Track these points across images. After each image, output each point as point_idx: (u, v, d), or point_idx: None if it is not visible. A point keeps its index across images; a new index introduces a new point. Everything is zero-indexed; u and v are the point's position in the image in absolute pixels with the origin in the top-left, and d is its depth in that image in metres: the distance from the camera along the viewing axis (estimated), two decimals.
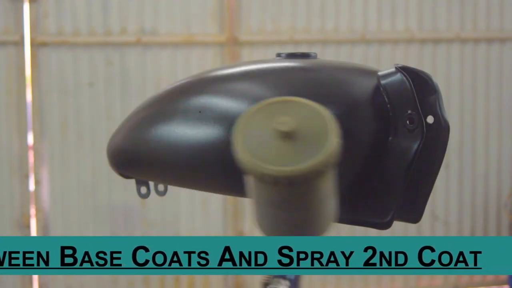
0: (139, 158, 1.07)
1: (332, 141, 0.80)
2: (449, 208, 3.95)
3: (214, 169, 0.95)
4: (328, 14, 3.79)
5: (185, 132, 0.97)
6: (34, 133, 3.58)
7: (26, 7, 3.53)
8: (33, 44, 3.54)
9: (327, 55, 3.75)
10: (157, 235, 3.63)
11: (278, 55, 1.07)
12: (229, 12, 3.69)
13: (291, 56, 1.05)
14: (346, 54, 3.80)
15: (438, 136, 0.93)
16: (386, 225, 0.94)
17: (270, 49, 3.72)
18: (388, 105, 0.95)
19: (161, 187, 1.27)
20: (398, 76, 0.95)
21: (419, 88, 0.93)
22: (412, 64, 3.61)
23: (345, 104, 0.94)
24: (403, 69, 0.95)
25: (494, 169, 3.99)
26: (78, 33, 3.58)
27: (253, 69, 1.02)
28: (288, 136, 0.81)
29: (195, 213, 3.70)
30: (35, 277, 3.63)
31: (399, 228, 3.90)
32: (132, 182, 1.29)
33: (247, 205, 3.74)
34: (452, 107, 3.89)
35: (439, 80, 3.21)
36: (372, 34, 3.82)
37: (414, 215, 0.96)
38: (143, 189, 1.25)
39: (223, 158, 0.93)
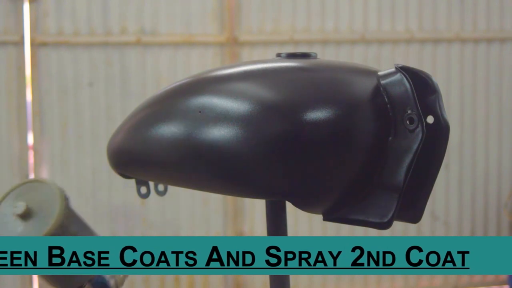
0: (139, 158, 1.07)
1: (57, 211, 1.11)
2: (449, 208, 3.96)
3: (213, 169, 0.95)
4: (328, 14, 3.79)
5: (185, 132, 0.97)
6: (34, 133, 3.58)
7: (26, 7, 3.53)
8: (33, 44, 3.54)
9: (327, 55, 3.75)
10: (157, 235, 3.63)
11: (278, 55, 1.06)
12: (229, 12, 3.69)
13: (291, 56, 1.05)
14: (346, 54, 3.80)
15: (438, 136, 0.93)
16: (386, 225, 0.94)
17: (270, 49, 3.73)
18: (388, 105, 0.94)
19: (161, 187, 1.27)
20: (398, 76, 0.95)
21: (419, 88, 0.93)
22: (412, 64, 3.62)
23: (345, 104, 0.94)
24: (403, 69, 0.95)
25: (494, 169, 3.99)
26: (78, 33, 3.58)
27: (253, 69, 1.02)
28: (24, 216, 1.10)
29: (195, 213, 3.70)
30: (35, 277, 3.63)
31: (399, 228, 3.92)
32: (132, 182, 1.29)
33: (247, 205, 3.74)
34: (452, 107, 3.89)
35: (439, 80, 3.22)
36: (372, 34, 3.82)
37: (414, 215, 0.96)
38: (143, 189, 1.25)
39: (223, 158, 0.93)
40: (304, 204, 0.95)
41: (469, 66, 3.94)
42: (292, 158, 0.91)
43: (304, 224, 3.76)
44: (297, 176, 0.92)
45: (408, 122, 0.93)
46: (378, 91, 0.96)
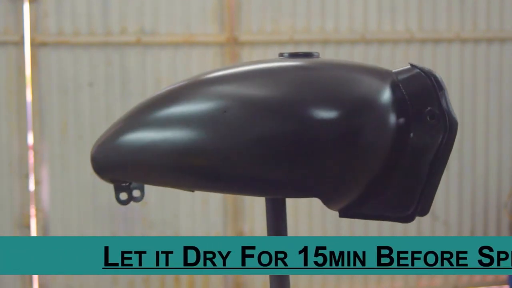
0: (127, 162, 1.07)
1: None
2: (449, 208, 3.96)
3: (248, 170, 0.95)
4: (328, 14, 3.79)
5: (218, 131, 0.96)
6: (34, 133, 3.58)
7: (26, 7, 3.53)
8: (33, 44, 3.54)
9: (327, 55, 3.75)
10: (157, 235, 3.63)
11: (281, 55, 1.06)
12: (229, 12, 3.69)
13: (294, 55, 1.05)
14: (346, 54, 3.80)
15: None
16: (409, 219, 0.94)
17: (270, 49, 3.72)
18: (408, 101, 0.95)
19: (136, 193, 1.26)
20: (416, 72, 0.96)
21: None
22: None
23: (368, 101, 0.94)
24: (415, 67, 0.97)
25: (494, 169, 3.99)
26: (78, 33, 3.58)
27: (271, 68, 1.00)
28: None
29: (195, 213, 3.70)
30: (35, 277, 3.64)
31: (399, 228, 3.91)
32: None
33: (247, 205, 3.74)
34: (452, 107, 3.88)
35: None
36: (372, 34, 3.82)
37: (422, 209, 0.97)
38: (123, 195, 1.23)
39: (259, 160, 0.93)
40: (331, 201, 0.95)
41: (469, 66, 3.94)
42: (322, 158, 0.91)
43: (304, 224, 3.76)
44: (327, 175, 0.92)
45: (429, 117, 0.93)
46: (397, 87, 0.96)
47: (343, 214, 0.97)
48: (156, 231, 3.65)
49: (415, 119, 0.94)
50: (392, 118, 0.94)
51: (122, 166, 1.07)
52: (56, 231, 3.58)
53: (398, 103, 0.95)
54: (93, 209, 3.60)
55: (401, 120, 0.94)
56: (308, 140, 0.91)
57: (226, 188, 1.01)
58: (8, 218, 3.56)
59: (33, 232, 3.61)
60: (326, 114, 0.91)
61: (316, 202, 4.06)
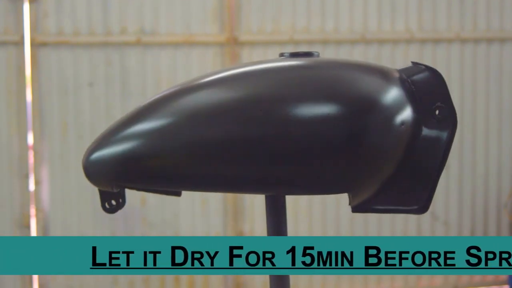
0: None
1: None
2: (449, 208, 3.95)
3: (290, 168, 0.96)
4: (328, 14, 3.79)
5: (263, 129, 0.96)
6: (34, 133, 3.59)
7: (26, 7, 3.53)
8: (33, 44, 3.55)
9: (327, 55, 3.75)
10: (157, 235, 3.63)
11: (281, 55, 1.06)
12: (229, 12, 3.69)
13: (295, 55, 1.05)
14: (346, 54, 3.80)
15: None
16: (422, 210, 0.97)
17: (270, 49, 3.73)
18: (417, 97, 0.97)
19: (113, 201, 1.25)
20: (422, 69, 0.98)
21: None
22: None
23: (380, 97, 0.95)
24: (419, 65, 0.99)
25: (494, 169, 3.98)
26: (78, 33, 3.58)
27: (285, 67, 1.00)
28: None
29: (195, 213, 3.71)
30: (35, 277, 3.64)
31: (399, 228, 3.90)
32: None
33: (247, 205, 3.74)
34: None
35: None
36: (372, 34, 3.82)
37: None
38: (109, 204, 1.23)
39: (305, 159, 0.94)
40: (356, 197, 0.96)
41: (469, 66, 3.94)
42: (357, 157, 0.93)
43: (304, 224, 3.76)
44: (357, 173, 0.94)
45: (437, 112, 0.96)
46: (406, 83, 0.97)
47: (357, 209, 0.97)
48: (156, 231, 3.65)
49: (425, 114, 0.97)
50: (407, 113, 0.96)
51: (111, 175, 1.08)
52: (56, 231, 3.58)
53: (409, 99, 0.97)
54: (93, 209, 3.60)
55: (414, 115, 0.96)
56: (328, 139, 0.92)
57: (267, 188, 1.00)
58: (8, 218, 3.57)
59: (33, 232, 3.61)
60: (341, 111, 0.92)
61: (316, 202, 4.03)
